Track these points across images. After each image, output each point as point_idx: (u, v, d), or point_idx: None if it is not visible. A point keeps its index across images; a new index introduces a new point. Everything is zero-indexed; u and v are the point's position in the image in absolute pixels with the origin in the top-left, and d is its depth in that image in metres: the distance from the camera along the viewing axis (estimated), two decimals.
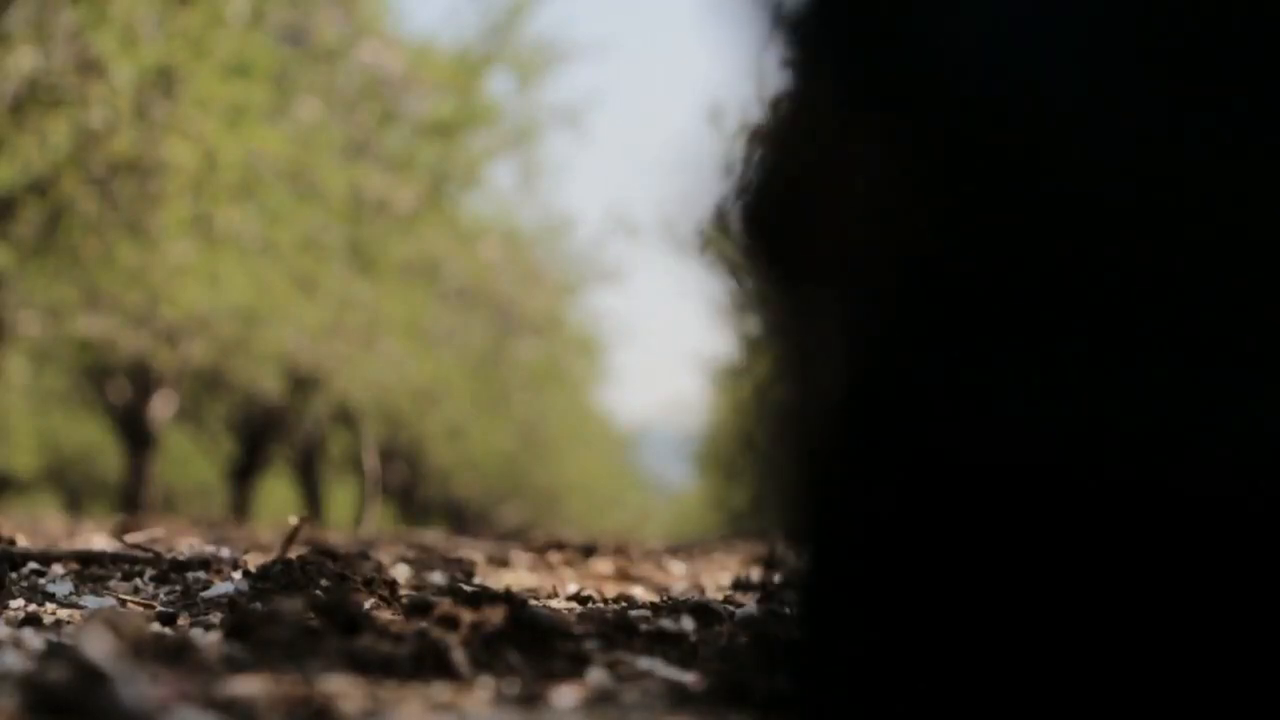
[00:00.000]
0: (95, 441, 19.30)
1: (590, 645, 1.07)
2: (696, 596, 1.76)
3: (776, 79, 1.90)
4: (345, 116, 10.19)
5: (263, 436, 15.71)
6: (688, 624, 1.15)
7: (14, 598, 1.48)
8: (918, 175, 0.94)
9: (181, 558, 1.74)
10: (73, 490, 23.49)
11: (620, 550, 2.93)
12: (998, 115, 0.92)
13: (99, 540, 2.48)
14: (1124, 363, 0.81)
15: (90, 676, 0.68)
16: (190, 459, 20.71)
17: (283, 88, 8.73)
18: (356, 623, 0.99)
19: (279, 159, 7.82)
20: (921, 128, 0.96)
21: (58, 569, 1.70)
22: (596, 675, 0.99)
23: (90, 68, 6.20)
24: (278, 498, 23.19)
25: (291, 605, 0.97)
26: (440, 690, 0.91)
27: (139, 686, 0.68)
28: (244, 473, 15.92)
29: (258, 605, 1.05)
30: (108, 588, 1.59)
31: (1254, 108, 0.88)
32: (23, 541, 1.91)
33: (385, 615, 1.35)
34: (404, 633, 0.99)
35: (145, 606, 1.48)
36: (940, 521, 0.84)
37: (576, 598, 1.74)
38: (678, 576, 2.55)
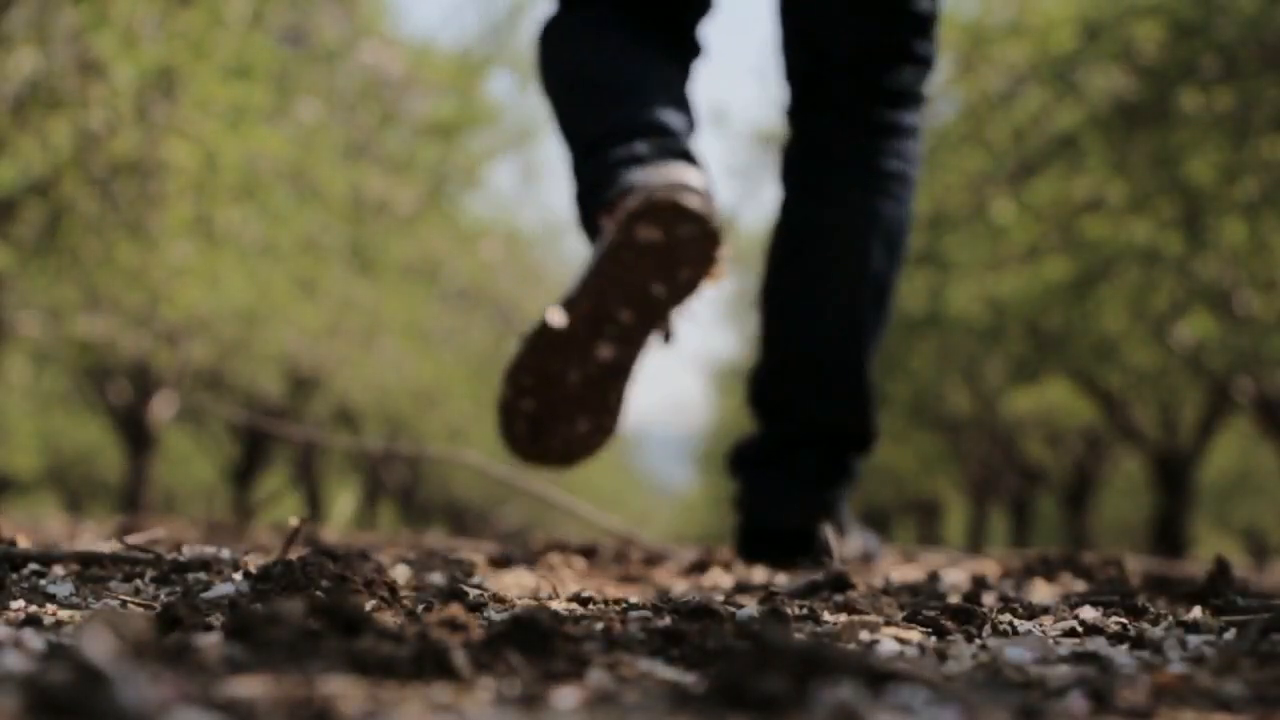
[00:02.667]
0: (96, 442, 19.32)
1: (590, 646, 1.07)
2: (697, 597, 1.75)
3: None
4: (346, 117, 10.20)
5: (263, 437, 15.72)
6: (688, 625, 1.15)
7: (14, 599, 1.48)
8: None
9: (182, 559, 1.74)
10: (73, 491, 23.51)
11: (621, 551, 2.94)
12: None
13: (100, 541, 2.49)
14: None
15: (91, 677, 0.68)
16: (190, 459, 20.73)
17: (283, 89, 8.74)
18: (357, 624, 0.99)
19: (279, 160, 7.82)
20: None
21: (58, 570, 1.70)
22: (597, 676, 0.99)
23: (91, 69, 6.21)
24: (278, 498, 23.19)
25: (292, 606, 0.97)
26: (441, 691, 0.91)
27: (139, 687, 0.68)
28: (244, 473, 15.93)
29: (258, 606, 1.05)
30: (108, 589, 1.59)
31: None
32: (23, 542, 1.91)
33: (386, 616, 1.35)
34: (405, 634, 0.99)
35: (146, 608, 1.48)
36: None
37: (577, 598, 1.74)
38: (679, 577, 2.55)
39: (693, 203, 2.21)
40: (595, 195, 2.33)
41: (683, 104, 2.46)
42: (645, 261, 2.21)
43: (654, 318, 2.25)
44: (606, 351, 2.24)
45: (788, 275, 2.65)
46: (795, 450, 2.63)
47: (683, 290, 2.24)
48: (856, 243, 2.58)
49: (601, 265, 2.22)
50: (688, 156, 2.35)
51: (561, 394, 2.26)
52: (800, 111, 2.68)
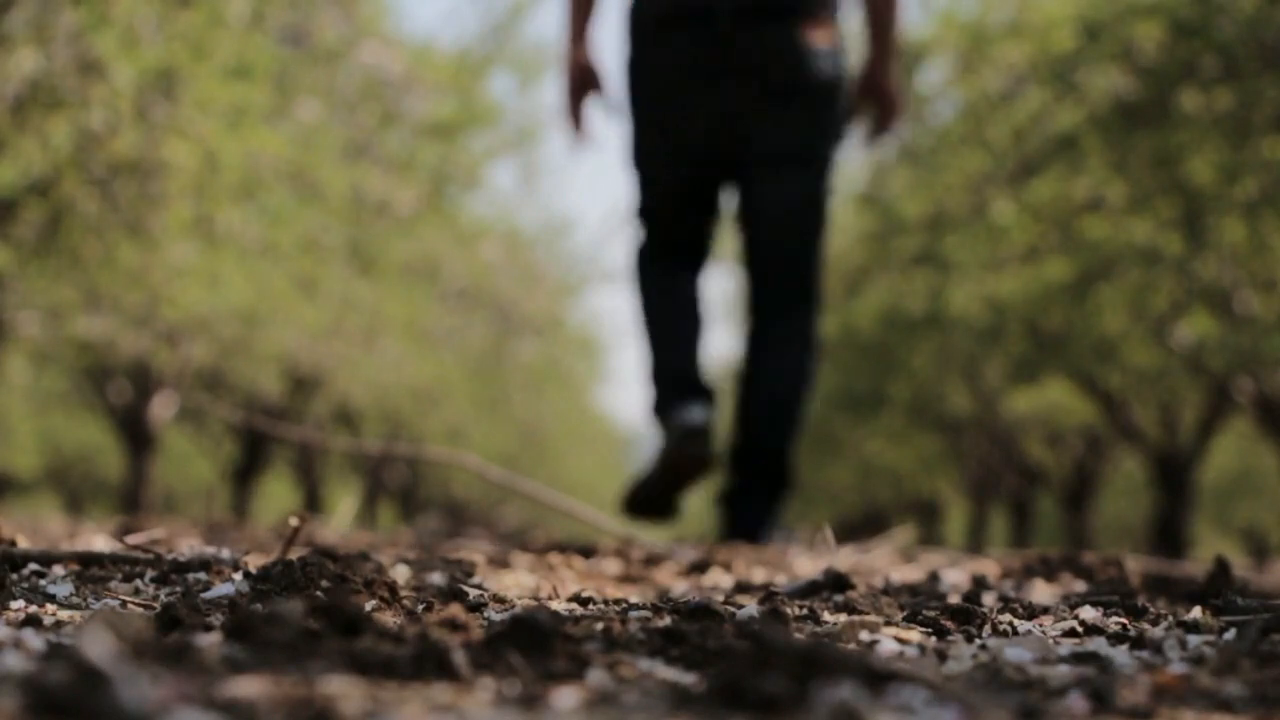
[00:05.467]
0: (95, 442, 19.31)
1: (590, 646, 1.07)
2: (697, 597, 1.75)
3: None
4: (346, 117, 10.19)
5: (263, 437, 15.71)
6: (688, 625, 1.15)
7: (14, 599, 1.48)
8: None
9: (182, 559, 1.74)
10: (73, 491, 23.51)
11: (621, 551, 2.94)
12: None
13: (99, 541, 2.49)
14: None
15: (91, 677, 0.68)
16: (190, 459, 20.73)
17: (283, 89, 8.74)
18: (357, 624, 0.99)
19: (280, 160, 7.82)
20: None
21: (58, 570, 1.70)
22: (597, 676, 0.99)
23: (91, 69, 6.21)
24: (278, 498, 23.19)
25: (292, 606, 0.97)
26: (441, 691, 0.91)
27: (139, 687, 0.68)
28: (244, 473, 15.93)
29: (258, 606, 1.05)
30: (108, 589, 1.59)
31: None
32: (23, 542, 1.91)
33: (386, 616, 1.35)
34: (405, 634, 0.99)
35: (145, 608, 1.48)
36: None
37: (577, 599, 1.74)
38: (678, 578, 2.55)
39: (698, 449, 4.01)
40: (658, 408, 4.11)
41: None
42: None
43: None
44: None
45: (746, 384, 4.27)
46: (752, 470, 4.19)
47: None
48: (777, 369, 4.19)
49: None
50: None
51: None
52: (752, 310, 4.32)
